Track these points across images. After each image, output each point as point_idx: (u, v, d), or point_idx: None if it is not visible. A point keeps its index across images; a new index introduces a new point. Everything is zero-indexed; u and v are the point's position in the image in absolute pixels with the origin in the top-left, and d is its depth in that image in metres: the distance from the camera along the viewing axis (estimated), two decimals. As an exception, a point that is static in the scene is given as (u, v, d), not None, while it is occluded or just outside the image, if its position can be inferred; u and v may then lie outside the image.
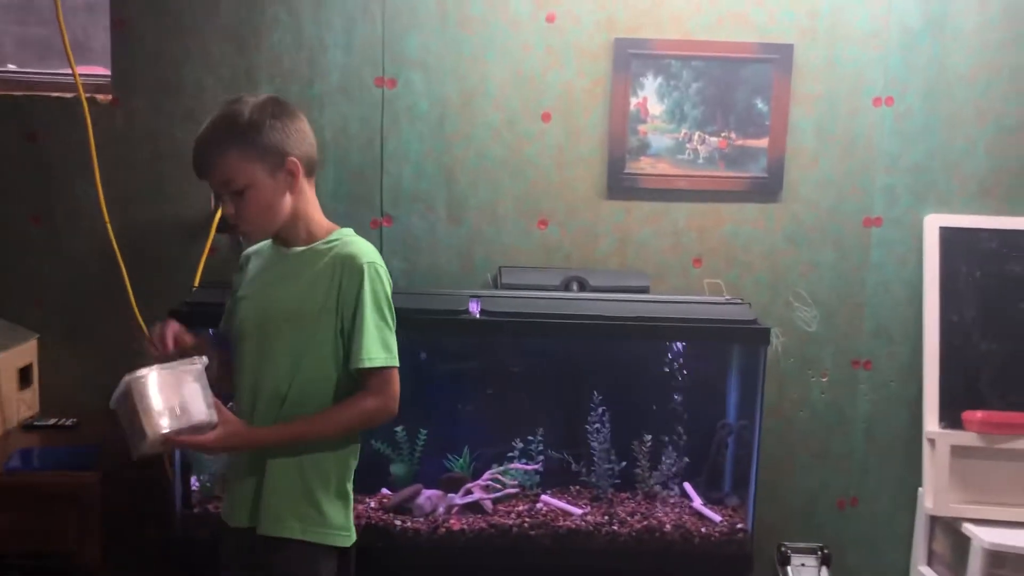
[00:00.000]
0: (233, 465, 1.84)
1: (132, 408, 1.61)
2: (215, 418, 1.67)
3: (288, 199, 1.76)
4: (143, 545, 2.54)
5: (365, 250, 1.77)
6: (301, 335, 1.75)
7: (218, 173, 1.72)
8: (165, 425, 1.61)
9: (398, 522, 2.31)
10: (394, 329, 1.79)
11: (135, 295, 2.54)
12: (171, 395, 1.63)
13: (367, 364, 1.72)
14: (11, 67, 2.72)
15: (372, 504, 2.38)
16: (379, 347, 1.74)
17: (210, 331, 1.97)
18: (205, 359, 1.70)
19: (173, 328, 1.75)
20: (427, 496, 2.38)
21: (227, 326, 1.90)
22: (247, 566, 1.80)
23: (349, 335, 1.75)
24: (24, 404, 2.52)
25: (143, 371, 1.63)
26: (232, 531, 1.82)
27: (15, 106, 2.55)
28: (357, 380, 1.76)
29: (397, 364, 1.77)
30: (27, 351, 2.54)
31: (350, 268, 1.74)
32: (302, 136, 1.77)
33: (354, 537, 1.83)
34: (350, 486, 1.83)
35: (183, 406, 1.63)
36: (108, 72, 2.58)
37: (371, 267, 1.74)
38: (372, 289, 1.74)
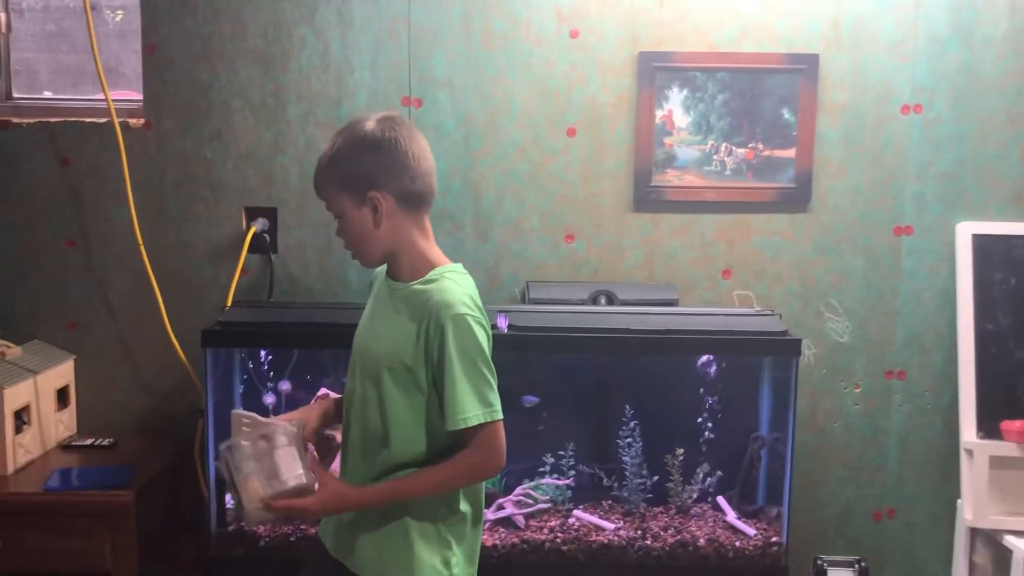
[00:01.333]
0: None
1: (230, 478, 1.61)
2: (312, 481, 1.64)
3: (384, 231, 1.70)
4: (178, 563, 2.57)
5: (455, 299, 1.66)
6: (396, 381, 1.69)
7: (321, 198, 1.74)
8: (260, 493, 1.60)
9: (430, 538, 2.30)
10: (494, 380, 1.68)
11: (168, 316, 2.57)
12: (266, 461, 1.61)
13: (461, 425, 1.64)
14: (47, 94, 2.78)
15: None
16: (474, 403, 1.64)
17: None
18: (302, 422, 1.69)
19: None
20: (459, 512, 2.37)
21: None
22: None
23: (441, 392, 1.66)
24: (62, 424, 2.56)
25: (237, 440, 1.63)
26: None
27: (50, 132, 2.60)
28: (458, 436, 1.67)
29: (499, 417, 1.67)
30: (64, 372, 2.57)
31: (436, 319, 1.64)
32: (397, 168, 1.68)
33: None
34: (448, 532, 1.73)
35: (277, 472, 1.61)
36: (140, 96, 2.63)
37: (457, 319, 1.64)
38: (459, 343, 1.63)
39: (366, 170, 1.67)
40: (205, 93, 2.59)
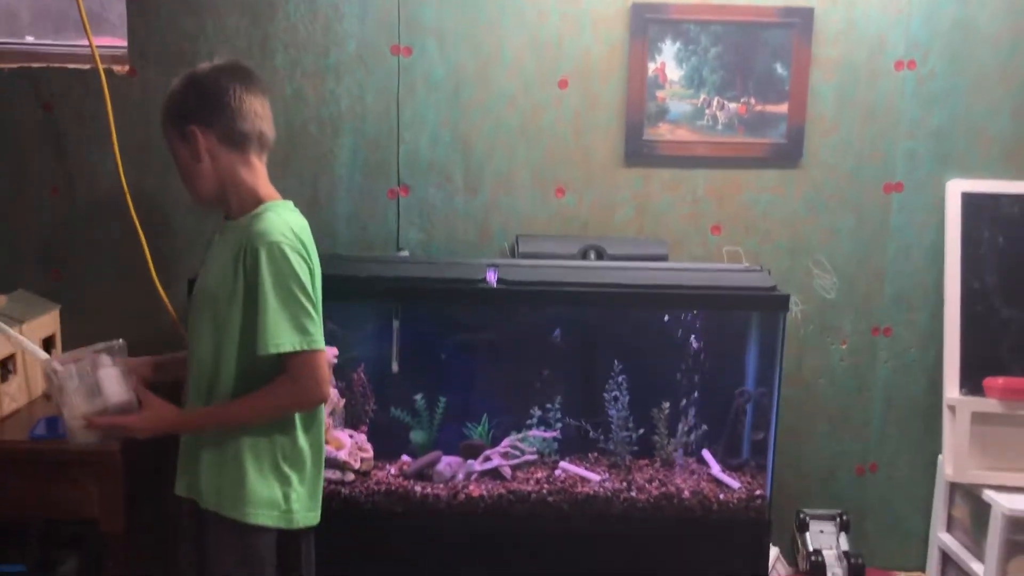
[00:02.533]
0: (185, 441, 1.86)
1: (56, 398, 1.71)
2: (133, 398, 1.72)
3: (207, 167, 1.75)
4: (165, 512, 2.58)
5: (271, 227, 1.69)
6: (217, 318, 1.73)
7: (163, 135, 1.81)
8: (82, 410, 1.69)
9: (418, 488, 2.32)
10: (314, 310, 1.70)
11: (154, 265, 2.55)
12: (89, 380, 1.70)
13: (272, 350, 1.65)
14: (28, 39, 2.72)
15: (392, 471, 2.40)
16: (289, 329, 1.66)
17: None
18: (122, 341, 1.78)
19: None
20: (447, 463, 2.39)
21: None
22: (192, 536, 1.85)
23: (255, 319, 1.68)
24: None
25: (64, 356, 1.74)
26: (181, 499, 1.86)
27: (32, 77, 2.55)
28: (276, 366, 1.69)
29: (318, 347, 1.69)
30: (49, 321, 2.55)
31: (251, 248, 1.67)
32: (218, 107, 1.74)
33: (299, 520, 1.79)
34: (287, 466, 1.77)
35: (100, 390, 1.70)
36: (125, 43, 2.58)
37: (272, 247, 1.66)
38: (273, 270, 1.66)
39: (189, 106, 1.75)
40: (191, 41, 2.54)
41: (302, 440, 1.79)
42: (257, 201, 1.78)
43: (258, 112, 1.78)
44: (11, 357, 2.35)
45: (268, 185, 1.81)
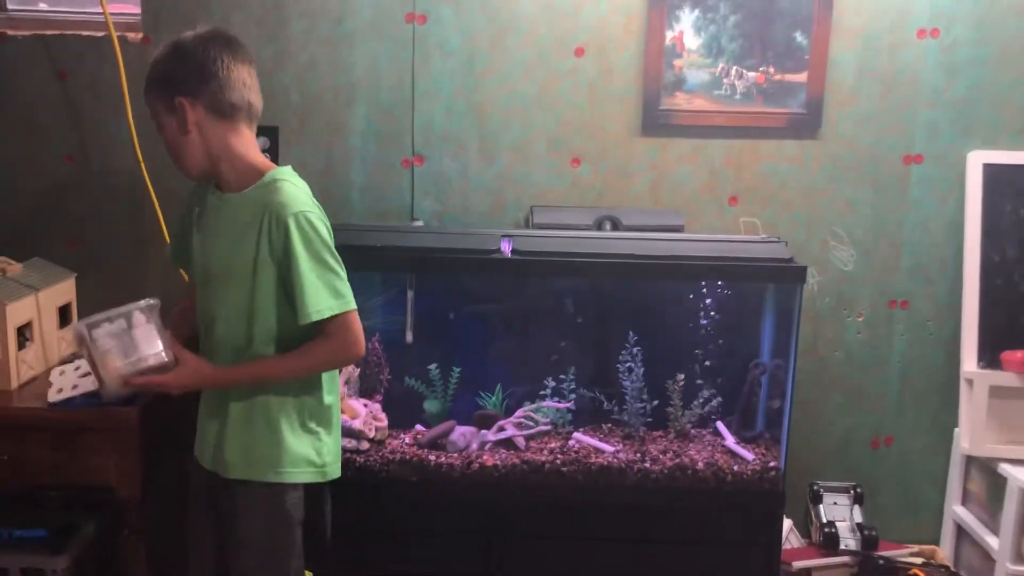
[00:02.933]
0: (201, 405, 1.88)
1: (89, 357, 1.68)
2: (171, 358, 1.71)
3: (196, 139, 1.72)
4: (182, 480, 2.60)
5: (292, 198, 1.71)
6: (242, 289, 1.74)
7: (147, 105, 1.76)
8: (120, 371, 1.68)
9: (432, 457, 2.33)
10: (342, 271, 1.74)
11: (169, 234, 2.55)
12: (125, 339, 1.68)
13: (315, 318, 1.69)
14: (42, 6, 2.71)
15: (406, 440, 2.41)
16: (326, 296, 1.70)
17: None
18: (157, 301, 1.74)
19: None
20: (460, 432, 2.40)
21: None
22: (215, 507, 1.85)
23: (290, 288, 1.71)
24: (64, 342, 2.56)
25: (95, 317, 1.70)
26: (200, 469, 1.87)
27: (46, 45, 2.54)
28: (311, 328, 1.73)
29: (352, 307, 1.74)
30: (66, 290, 2.56)
31: (277, 220, 1.69)
32: (205, 76, 1.70)
33: (330, 472, 1.85)
34: (318, 424, 1.82)
35: (136, 348, 1.68)
36: (138, 10, 2.57)
37: (299, 216, 1.69)
38: (303, 240, 1.69)
39: (175, 77, 1.71)
40: (205, 7, 2.53)
41: (327, 398, 1.84)
42: (255, 171, 1.76)
43: (246, 81, 1.74)
44: (28, 324, 2.36)
45: (260, 154, 1.80)
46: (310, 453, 1.81)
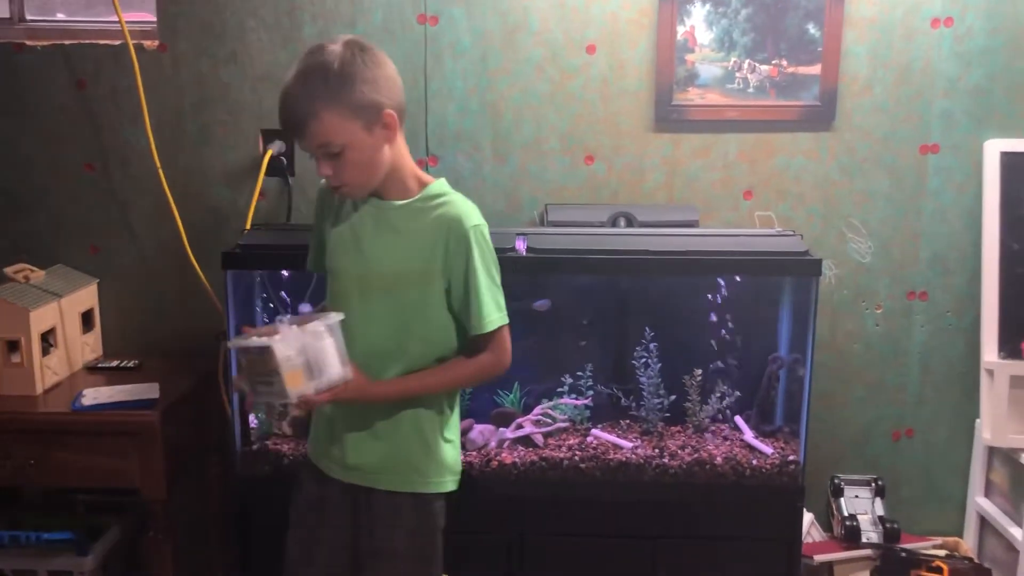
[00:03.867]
0: (330, 415, 1.83)
1: (272, 369, 1.58)
2: (350, 374, 1.67)
3: (387, 153, 1.71)
4: (206, 481, 2.63)
5: (470, 212, 1.75)
6: (408, 297, 1.75)
7: (314, 136, 1.64)
8: (307, 391, 1.61)
9: (451, 457, 2.34)
10: (500, 285, 1.80)
11: (188, 239, 2.59)
12: (309, 354, 1.61)
13: (488, 329, 1.75)
14: (60, 16, 2.75)
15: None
16: (494, 308, 1.76)
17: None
18: (341, 315, 1.67)
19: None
20: (479, 430, 2.41)
21: (318, 269, 1.92)
22: (335, 517, 1.84)
23: (461, 299, 1.75)
24: (88, 347, 2.60)
25: (283, 330, 1.60)
26: (317, 479, 1.85)
27: (64, 54, 2.58)
28: (471, 337, 1.79)
29: (508, 320, 1.79)
30: (88, 295, 2.61)
31: (457, 233, 1.72)
32: (393, 83, 1.68)
33: (459, 480, 1.89)
34: (452, 434, 1.87)
35: (319, 365, 1.62)
36: (154, 18, 2.60)
37: (477, 231, 1.74)
38: (480, 254, 1.74)
39: (375, 88, 1.65)
40: (219, 14, 2.55)
41: (457, 409, 1.89)
42: (418, 180, 1.78)
43: (401, 85, 1.74)
44: (52, 331, 2.40)
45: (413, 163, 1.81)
46: (453, 463, 1.86)
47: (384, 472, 1.80)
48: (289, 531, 1.90)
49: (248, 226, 2.55)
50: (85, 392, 2.29)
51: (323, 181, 1.85)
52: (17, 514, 2.50)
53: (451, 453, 1.86)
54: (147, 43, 2.58)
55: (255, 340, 1.60)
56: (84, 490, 2.57)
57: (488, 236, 1.77)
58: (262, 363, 1.60)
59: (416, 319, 1.76)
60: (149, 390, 2.31)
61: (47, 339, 2.39)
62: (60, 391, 2.38)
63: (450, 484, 1.86)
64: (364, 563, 1.83)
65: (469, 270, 1.73)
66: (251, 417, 2.41)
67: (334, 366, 1.65)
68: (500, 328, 1.77)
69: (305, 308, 2.42)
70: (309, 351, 1.62)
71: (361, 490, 1.82)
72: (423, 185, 1.78)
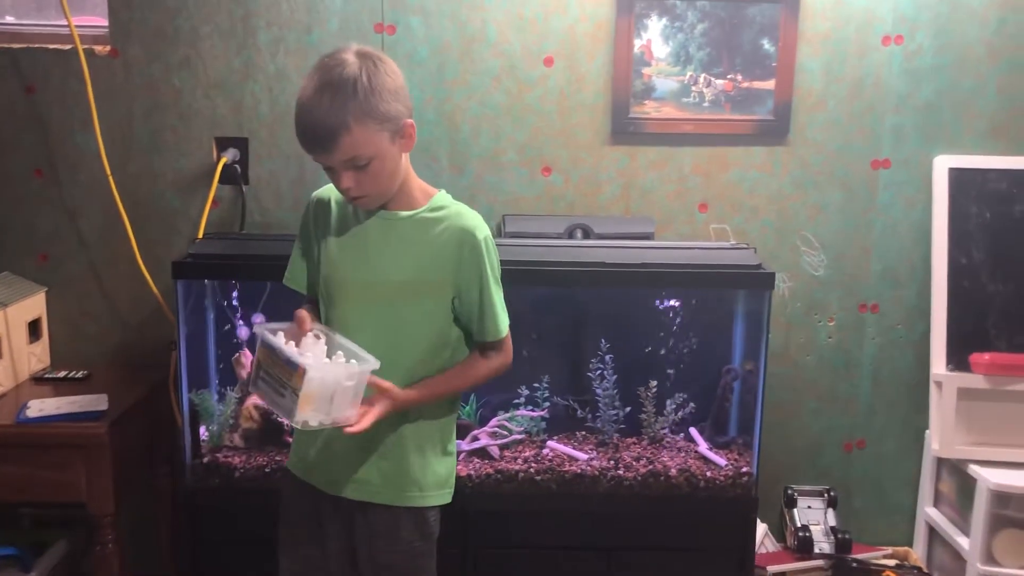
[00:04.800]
0: (326, 439, 1.80)
1: (292, 386, 1.58)
2: (353, 419, 1.65)
3: (405, 162, 1.73)
4: (155, 494, 2.58)
5: (478, 222, 1.77)
6: (410, 305, 1.75)
7: (344, 150, 1.61)
8: (311, 422, 1.61)
9: (405, 469, 2.32)
10: None
11: (139, 247, 2.54)
12: (333, 390, 1.60)
13: (501, 335, 1.81)
14: (9, 19, 2.70)
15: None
16: (503, 314, 1.81)
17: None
18: (377, 364, 1.63)
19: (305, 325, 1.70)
20: (434, 443, 2.39)
21: (295, 283, 1.88)
22: (328, 530, 1.83)
23: (473, 309, 1.77)
24: (35, 357, 2.54)
25: (316, 352, 1.64)
26: (308, 494, 1.83)
27: (13, 59, 2.53)
28: (477, 342, 1.82)
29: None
30: (36, 304, 2.55)
31: (470, 244, 1.74)
32: (407, 93, 1.69)
33: (451, 494, 1.89)
34: (452, 446, 1.89)
35: (335, 403, 1.62)
36: (106, 23, 2.55)
37: (487, 241, 1.76)
38: (491, 264, 1.77)
39: (395, 100, 1.64)
40: (172, 19, 2.52)
41: (455, 420, 1.90)
42: (423, 191, 1.79)
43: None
44: (-4, 341, 2.34)
45: None
46: (448, 475, 1.86)
47: (383, 488, 1.79)
48: (283, 551, 1.88)
49: (200, 234, 2.51)
50: (31, 403, 2.24)
51: (316, 193, 1.86)
52: (-42, 529, 2.44)
53: (449, 465, 1.87)
54: (98, 48, 2.53)
55: (289, 350, 1.60)
56: (29, 504, 2.51)
57: (494, 246, 1.79)
58: (284, 371, 1.60)
59: (415, 329, 1.76)
60: (97, 401, 2.26)
61: (-8, 349, 2.34)
62: (5, 402, 2.32)
63: (447, 496, 1.87)
64: (363, 573, 1.83)
65: (483, 281, 1.76)
66: (202, 429, 2.38)
67: (346, 409, 1.64)
68: (506, 334, 1.84)
69: (257, 319, 2.40)
70: (335, 387, 1.61)
71: (356, 504, 1.80)
72: (428, 196, 1.79)
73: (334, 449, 1.79)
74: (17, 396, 2.36)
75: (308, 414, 1.60)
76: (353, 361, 1.64)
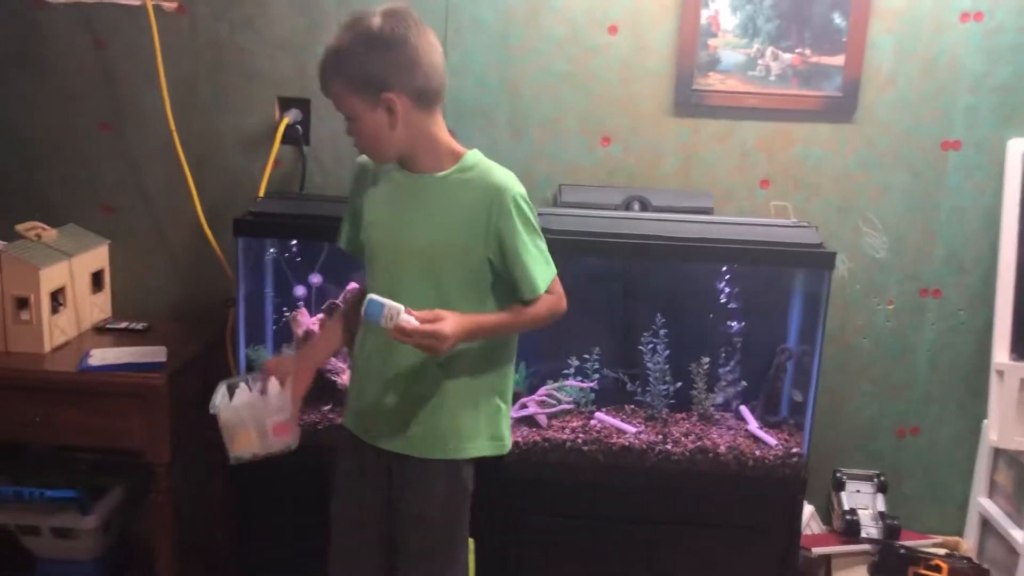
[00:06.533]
0: (373, 383, 1.85)
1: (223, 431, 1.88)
2: (294, 444, 1.89)
3: (401, 132, 1.71)
4: (209, 448, 2.63)
5: (509, 180, 1.76)
6: (445, 267, 1.76)
7: (331, 99, 1.73)
8: (245, 456, 1.89)
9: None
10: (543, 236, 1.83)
11: (201, 204, 2.58)
12: (245, 421, 1.89)
13: (543, 289, 1.79)
14: (80, -26, 2.73)
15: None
16: (543, 266, 1.80)
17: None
18: (280, 387, 1.89)
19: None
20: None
21: (350, 245, 1.94)
22: (374, 482, 1.88)
23: (510, 268, 1.77)
24: (97, 308, 2.60)
25: (231, 402, 1.90)
26: (355, 446, 1.89)
27: (84, 13, 2.56)
28: (525, 300, 1.81)
29: (556, 270, 1.84)
30: (99, 256, 2.61)
31: (499, 204, 1.73)
32: (409, 67, 1.66)
33: (507, 445, 1.92)
34: (499, 399, 1.89)
35: (268, 433, 1.86)
36: (174, -21, 2.58)
37: (518, 198, 1.75)
38: (524, 220, 1.75)
39: (377, 71, 1.66)
40: (240, -23, 2.53)
41: (511, 374, 1.91)
42: (452, 153, 1.78)
43: (440, 63, 1.72)
44: (61, 289, 2.40)
45: (449, 134, 1.81)
46: (494, 428, 1.88)
47: (418, 441, 1.82)
48: (334, 499, 1.94)
49: (261, 193, 2.54)
50: (92, 352, 2.30)
51: (361, 156, 1.87)
52: (20, 470, 2.52)
53: (497, 418, 1.88)
54: (166, 4, 2.56)
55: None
56: (88, 449, 2.58)
57: (528, 199, 1.77)
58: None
59: (453, 289, 1.76)
60: (156, 353, 2.32)
61: (56, 298, 2.39)
62: (68, 350, 2.38)
63: (487, 449, 1.87)
64: (398, 524, 1.88)
65: (516, 237, 1.74)
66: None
67: (280, 440, 1.89)
68: (552, 282, 1.82)
69: (315, 279, 2.42)
70: (248, 417, 1.88)
71: (395, 456, 1.84)
72: (457, 157, 1.78)
73: (381, 402, 1.83)
74: (80, 345, 2.42)
75: (239, 451, 1.87)
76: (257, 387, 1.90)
